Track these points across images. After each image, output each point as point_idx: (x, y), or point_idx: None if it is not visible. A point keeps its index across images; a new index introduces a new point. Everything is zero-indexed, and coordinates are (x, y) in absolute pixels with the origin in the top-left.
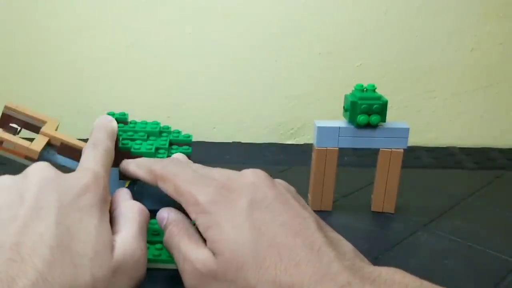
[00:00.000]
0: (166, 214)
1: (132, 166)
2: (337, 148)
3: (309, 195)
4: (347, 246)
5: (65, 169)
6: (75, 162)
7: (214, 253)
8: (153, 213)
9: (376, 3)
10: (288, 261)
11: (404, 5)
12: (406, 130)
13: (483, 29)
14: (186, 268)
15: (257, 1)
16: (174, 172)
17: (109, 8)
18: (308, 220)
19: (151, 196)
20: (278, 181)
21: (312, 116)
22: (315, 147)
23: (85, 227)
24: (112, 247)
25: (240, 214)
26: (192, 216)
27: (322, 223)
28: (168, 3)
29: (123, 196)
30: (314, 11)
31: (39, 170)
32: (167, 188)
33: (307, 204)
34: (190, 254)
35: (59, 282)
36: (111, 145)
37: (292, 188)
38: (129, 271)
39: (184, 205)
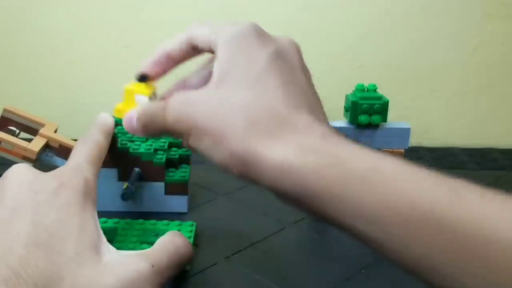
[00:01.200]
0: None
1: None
2: None
3: None
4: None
5: None
6: None
7: (216, 80)
8: (153, 214)
9: (378, 3)
10: (290, 103)
11: (406, 5)
12: (407, 130)
13: (485, 29)
14: (172, 99)
15: (257, 1)
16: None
17: (108, 8)
18: (315, 94)
19: (151, 196)
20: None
21: None
22: None
23: (64, 225)
24: (97, 248)
25: (262, 54)
26: (218, 42)
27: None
28: (168, 3)
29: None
30: (314, 11)
31: (16, 172)
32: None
33: None
34: (180, 93)
35: (32, 278)
36: (101, 139)
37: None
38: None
39: (211, 44)
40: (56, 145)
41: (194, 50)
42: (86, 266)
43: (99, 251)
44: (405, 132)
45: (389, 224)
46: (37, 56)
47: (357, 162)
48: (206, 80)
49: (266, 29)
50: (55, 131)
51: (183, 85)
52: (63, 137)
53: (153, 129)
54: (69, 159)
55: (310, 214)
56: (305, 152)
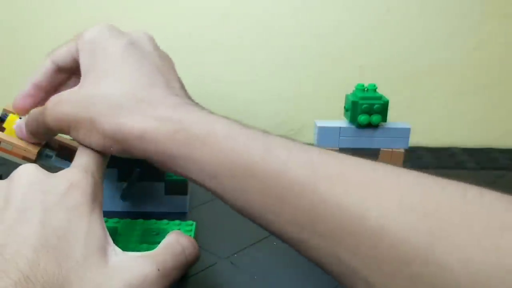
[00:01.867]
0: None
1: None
2: (338, 148)
3: None
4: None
5: None
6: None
7: (81, 81)
8: (153, 214)
9: (377, 2)
10: (147, 83)
11: (405, 5)
12: (407, 130)
13: (485, 28)
14: (47, 104)
15: (257, 1)
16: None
17: (109, 8)
18: (173, 73)
19: (151, 196)
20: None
21: (313, 116)
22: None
23: (73, 228)
24: (104, 251)
25: (116, 46)
26: (78, 48)
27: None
28: (168, 3)
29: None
30: (314, 11)
31: (25, 172)
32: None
33: None
34: (53, 97)
35: (41, 282)
36: None
37: (171, 59)
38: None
39: (73, 51)
40: (56, 145)
41: (61, 73)
42: (93, 270)
43: (106, 254)
44: (405, 132)
45: (223, 178)
46: (37, 56)
47: (198, 127)
48: (52, 75)
49: (266, 29)
50: None
51: (36, 87)
52: (63, 137)
53: (39, 132)
54: (75, 160)
55: (175, 174)
56: (159, 122)
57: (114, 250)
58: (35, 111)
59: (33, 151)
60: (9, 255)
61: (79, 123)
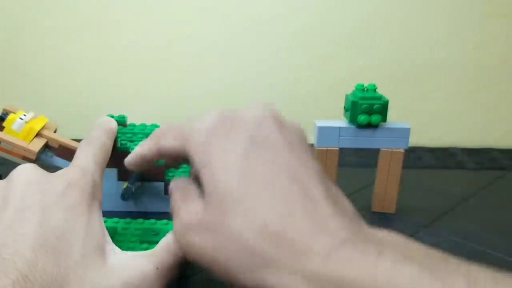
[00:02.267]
0: (173, 183)
1: (136, 150)
2: (338, 148)
3: None
4: (347, 205)
5: None
6: None
7: (205, 196)
8: (153, 214)
9: (377, 2)
10: (281, 207)
11: (405, 5)
12: (407, 130)
13: (485, 28)
14: (175, 226)
15: (257, 1)
16: (180, 123)
17: (109, 8)
18: (310, 169)
19: (151, 196)
20: (293, 124)
21: (312, 116)
22: (316, 147)
23: (72, 227)
24: (103, 250)
25: (235, 152)
26: (191, 155)
27: (326, 176)
28: (168, 3)
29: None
30: (314, 11)
31: (23, 172)
32: (172, 142)
33: None
34: (181, 209)
35: (40, 281)
36: (107, 141)
37: (305, 135)
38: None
39: (186, 148)
40: (56, 145)
41: (165, 159)
42: (92, 269)
43: (105, 253)
44: (405, 132)
45: None
46: (37, 56)
47: (367, 286)
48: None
49: (266, 29)
50: (55, 131)
51: (186, 192)
52: (63, 137)
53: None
54: (74, 159)
55: None
56: (314, 283)
57: (113, 249)
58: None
59: (33, 151)
60: (7, 255)
61: (213, 264)
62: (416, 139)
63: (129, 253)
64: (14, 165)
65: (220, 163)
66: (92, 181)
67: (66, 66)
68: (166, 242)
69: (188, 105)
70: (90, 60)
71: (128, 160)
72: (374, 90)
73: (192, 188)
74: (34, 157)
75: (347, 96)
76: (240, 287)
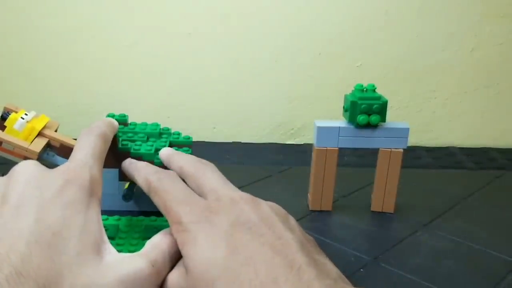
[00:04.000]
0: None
1: (132, 168)
2: (337, 148)
3: (309, 195)
4: (331, 268)
5: None
6: None
7: (186, 271)
8: (154, 214)
9: (377, 3)
10: (264, 277)
11: (405, 6)
12: (406, 130)
13: (484, 29)
14: None
15: (257, 1)
16: (167, 188)
17: (109, 8)
18: (291, 241)
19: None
20: (269, 203)
21: (312, 116)
22: (315, 147)
23: (68, 224)
24: (99, 248)
25: (219, 233)
26: (174, 234)
27: (310, 245)
28: (168, 3)
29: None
30: (314, 11)
31: (23, 169)
32: (158, 203)
33: (308, 204)
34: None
35: (34, 277)
36: (107, 131)
37: (282, 211)
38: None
39: (170, 223)
40: (58, 145)
41: None
42: (87, 266)
43: (100, 251)
44: (404, 132)
45: None
46: (39, 56)
47: None
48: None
49: (266, 29)
50: (56, 130)
51: None
52: (64, 137)
53: None
54: (73, 153)
55: None
56: None
57: (109, 249)
58: None
59: (34, 151)
60: (2, 250)
61: None
62: (415, 139)
63: (123, 253)
64: (15, 164)
65: (206, 242)
66: (90, 177)
67: (68, 66)
68: (156, 241)
69: (189, 105)
70: (91, 60)
71: None
72: (374, 90)
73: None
74: (35, 158)
75: (346, 96)
76: None
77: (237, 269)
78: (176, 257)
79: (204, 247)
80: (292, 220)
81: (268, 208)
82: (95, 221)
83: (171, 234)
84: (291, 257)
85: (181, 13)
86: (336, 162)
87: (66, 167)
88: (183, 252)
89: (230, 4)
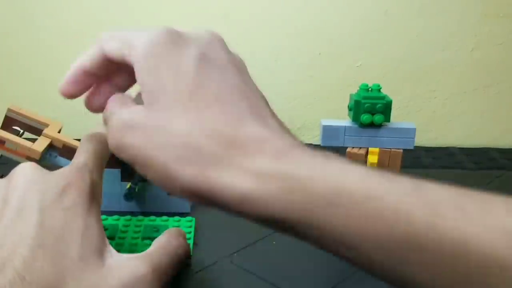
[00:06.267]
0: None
1: (74, 63)
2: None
3: None
4: (285, 125)
5: None
6: None
7: (147, 103)
8: (153, 214)
9: (377, 3)
10: (232, 117)
11: (405, 5)
12: (413, 130)
13: (483, 29)
14: (111, 124)
15: (257, 1)
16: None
17: (110, 9)
18: (256, 92)
19: (154, 196)
20: (236, 54)
21: (312, 117)
22: (321, 145)
23: (70, 228)
24: (100, 252)
25: (186, 61)
26: (136, 61)
27: (266, 101)
28: (168, 3)
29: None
30: (314, 11)
31: (23, 171)
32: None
33: None
34: (117, 112)
35: (37, 282)
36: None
37: (244, 63)
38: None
39: (131, 54)
40: (60, 145)
41: (112, 63)
42: (89, 270)
43: (102, 255)
44: (411, 132)
45: (367, 250)
46: (40, 56)
47: (319, 184)
48: (103, 62)
49: (266, 29)
50: (59, 131)
51: (123, 99)
52: (67, 137)
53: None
54: (75, 157)
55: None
56: (263, 179)
57: (110, 252)
58: (98, 137)
59: (37, 151)
60: (5, 254)
61: (148, 165)
62: (416, 139)
63: (125, 255)
64: (17, 164)
65: (171, 69)
66: (90, 181)
67: (67, 66)
68: (161, 243)
69: None
70: None
71: (66, 79)
72: (379, 90)
73: (130, 97)
74: (38, 157)
75: (351, 96)
76: (175, 190)
77: (204, 103)
78: (180, 260)
79: (169, 76)
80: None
81: (236, 56)
82: (96, 224)
83: (177, 237)
84: (258, 106)
85: (181, 13)
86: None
87: (67, 171)
88: (143, 80)
89: (230, 4)
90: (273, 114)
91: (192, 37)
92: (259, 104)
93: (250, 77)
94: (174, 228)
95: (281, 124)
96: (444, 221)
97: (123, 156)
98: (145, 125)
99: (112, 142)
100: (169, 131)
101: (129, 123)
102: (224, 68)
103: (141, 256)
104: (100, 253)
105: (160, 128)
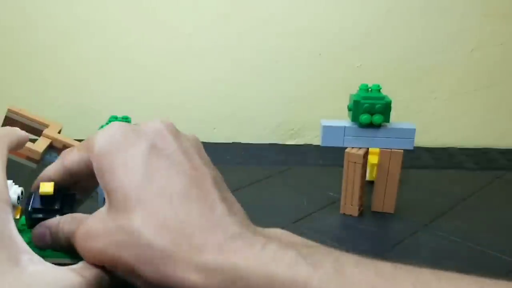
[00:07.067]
0: (56, 221)
1: (40, 175)
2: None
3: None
4: (239, 208)
5: None
6: None
7: (108, 202)
8: None
9: (377, 3)
10: (179, 207)
11: (405, 6)
12: (413, 131)
13: (484, 29)
14: (77, 235)
15: (257, 1)
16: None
17: (109, 8)
18: (206, 175)
19: None
20: (188, 136)
21: (312, 117)
22: (321, 145)
23: None
24: (16, 260)
25: (136, 157)
26: (94, 163)
27: (220, 181)
28: (168, 4)
29: None
30: (314, 12)
31: None
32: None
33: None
34: (81, 224)
35: None
36: (9, 136)
37: (200, 144)
38: None
39: (90, 158)
40: (60, 146)
41: (75, 175)
42: (5, 279)
43: (20, 263)
44: (411, 133)
45: None
46: (40, 57)
47: (255, 274)
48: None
49: (266, 29)
50: (59, 132)
51: (68, 172)
52: (67, 138)
53: (70, 247)
54: None
55: None
56: (209, 273)
57: (31, 259)
58: (68, 230)
59: (37, 151)
60: None
61: (115, 264)
62: (416, 139)
63: (50, 264)
64: (16, 165)
65: (123, 167)
66: None
67: (69, 67)
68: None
69: (189, 106)
70: (91, 60)
71: (33, 187)
72: (379, 90)
73: (81, 214)
74: (38, 157)
75: (351, 96)
76: (144, 285)
77: (153, 198)
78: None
79: (121, 175)
80: (206, 155)
81: (186, 138)
82: (6, 230)
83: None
84: (205, 191)
85: (181, 13)
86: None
87: None
88: (102, 181)
89: (230, 4)
90: (223, 197)
91: (143, 130)
92: (208, 189)
93: (201, 157)
94: None
95: (230, 206)
96: None
97: (92, 261)
98: (105, 227)
99: (81, 251)
100: (127, 231)
101: (92, 229)
102: (173, 156)
103: (70, 267)
104: (16, 262)
105: (119, 228)
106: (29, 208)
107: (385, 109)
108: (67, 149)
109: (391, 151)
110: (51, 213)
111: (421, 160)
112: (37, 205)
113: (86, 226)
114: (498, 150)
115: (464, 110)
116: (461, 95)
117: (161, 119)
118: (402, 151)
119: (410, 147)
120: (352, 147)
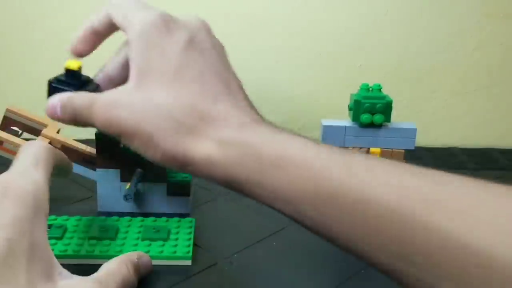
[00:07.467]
0: (67, 94)
1: (83, 25)
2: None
3: None
4: (257, 109)
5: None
6: (76, 165)
7: (135, 77)
8: (155, 215)
9: (377, 3)
10: (208, 95)
11: (405, 6)
12: (414, 131)
13: (484, 29)
14: (98, 103)
15: (257, 1)
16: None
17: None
18: (232, 74)
19: (153, 197)
20: (219, 42)
21: (312, 117)
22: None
23: (14, 248)
24: (49, 275)
25: (174, 45)
26: (130, 39)
27: (243, 89)
28: (168, 3)
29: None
30: (314, 11)
31: None
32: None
33: None
34: (102, 94)
35: None
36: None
37: (224, 49)
38: None
39: (128, 31)
40: (59, 146)
41: (115, 26)
42: None
43: (52, 277)
44: (412, 133)
45: (301, 205)
46: (39, 56)
47: (269, 149)
48: (124, 67)
49: (266, 29)
50: (58, 132)
51: (107, 77)
52: (65, 138)
53: (81, 122)
54: (13, 164)
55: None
56: (224, 146)
57: (61, 273)
58: (78, 101)
59: None
60: None
61: (133, 135)
62: (416, 139)
63: (76, 276)
64: None
65: (160, 53)
66: (33, 188)
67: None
68: (109, 269)
69: None
70: (91, 60)
71: (77, 39)
72: (379, 90)
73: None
74: None
75: (351, 96)
76: (156, 157)
77: (186, 83)
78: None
79: (158, 57)
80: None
81: (219, 42)
82: (42, 242)
83: (127, 263)
84: (233, 90)
85: (181, 14)
86: None
87: (2, 177)
88: (131, 57)
89: (230, 4)
90: (245, 97)
91: (183, 23)
92: (234, 86)
93: (228, 61)
94: (128, 253)
95: (251, 105)
96: (356, 178)
97: (110, 129)
98: (131, 99)
99: (100, 119)
100: (154, 105)
101: (116, 103)
102: (207, 52)
103: (92, 278)
104: (49, 277)
105: (146, 102)
106: (52, 78)
107: (386, 108)
108: (112, 2)
109: (392, 151)
110: (69, 87)
111: (422, 161)
112: (60, 77)
113: (110, 96)
114: (499, 150)
115: (464, 110)
116: (462, 95)
117: (200, 18)
118: (403, 151)
119: (411, 147)
120: (353, 147)
